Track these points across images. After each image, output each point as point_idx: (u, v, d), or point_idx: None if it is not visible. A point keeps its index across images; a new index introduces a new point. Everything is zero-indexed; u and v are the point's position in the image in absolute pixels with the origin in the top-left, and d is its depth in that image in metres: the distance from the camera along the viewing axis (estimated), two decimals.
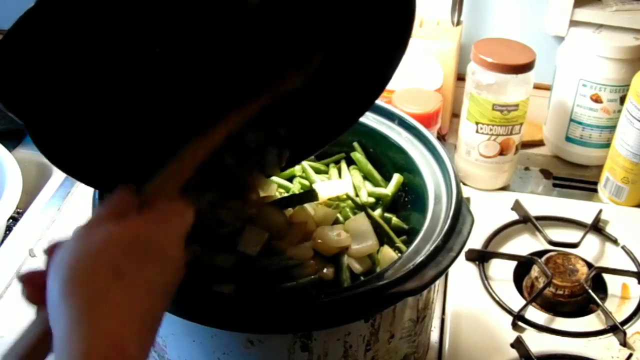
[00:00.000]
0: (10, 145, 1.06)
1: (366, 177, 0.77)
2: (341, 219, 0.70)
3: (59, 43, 0.47)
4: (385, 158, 0.76)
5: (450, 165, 0.68)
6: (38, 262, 0.90)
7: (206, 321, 0.55)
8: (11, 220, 0.97)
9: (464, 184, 1.03)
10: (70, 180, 1.02)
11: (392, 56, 0.63)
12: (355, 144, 0.78)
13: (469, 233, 0.61)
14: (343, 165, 0.79)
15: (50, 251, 0.46)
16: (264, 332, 0.56)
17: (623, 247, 0.92)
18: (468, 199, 0.96)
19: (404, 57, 0.63)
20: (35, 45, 0.45)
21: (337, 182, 0.76)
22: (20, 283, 0.47)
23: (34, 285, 0.46)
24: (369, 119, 0.76)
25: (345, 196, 0.73)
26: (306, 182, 0.76)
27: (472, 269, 0.88)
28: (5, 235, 0.95)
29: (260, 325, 0.55)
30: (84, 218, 0.60)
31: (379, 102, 0.79)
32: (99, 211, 0.50)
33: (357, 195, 0.74)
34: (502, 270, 0.88)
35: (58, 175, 1.03)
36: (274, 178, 0.78)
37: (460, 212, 0.63)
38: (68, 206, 0.99)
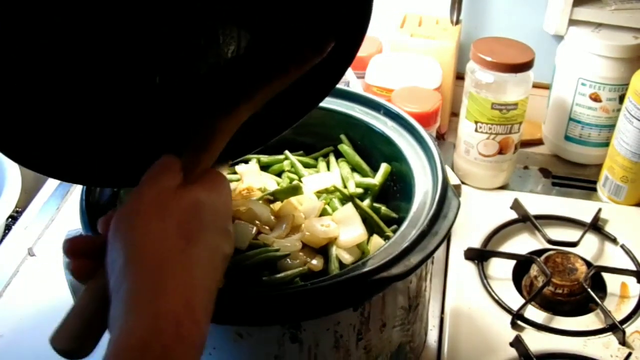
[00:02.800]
0: None
1: (355, 168, 0.77)
2: (330, 210, 0.70)
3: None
4: (374, 149, 0.76)
5: (436, 150, 0.68)
6: (37, 262, 0.90)
7: None
8: (10, 219, 0.97)
9: (464, 182, 1.03)
10: None
11: (352, 45, 0.61)
12: (343, 137, 0.78)
13: (455, 217, 0.60)
14: (331, 158, 0.79)
15: (106, 224, 0.46)
16: (250, 325, 0.56)
17: (622, 246, 0.92)
18: (458, 186, 0.96)
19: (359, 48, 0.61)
20: None
21: (325, 175, 0.75)
22: (65, 255, 0.46)
23: (79, 257, 0.46)
24: (355, 110, 0.76)
25: (333, 188, 0.73)
26: (295, 177, 0.76)
27: (471, 268, 0.88)
28: (5, 234, 0.95)
29: (246, 317, 0.54)
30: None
31: (364, 93, 0.79)
32: (148, 177, 0.48)
33: (345, 187, 0.74)
34: (501, 269, 0.89)
35: None
36: (265, 174, 0.77)
37: (446, 197, 0.62)
38: (67, 205, 0.99)
